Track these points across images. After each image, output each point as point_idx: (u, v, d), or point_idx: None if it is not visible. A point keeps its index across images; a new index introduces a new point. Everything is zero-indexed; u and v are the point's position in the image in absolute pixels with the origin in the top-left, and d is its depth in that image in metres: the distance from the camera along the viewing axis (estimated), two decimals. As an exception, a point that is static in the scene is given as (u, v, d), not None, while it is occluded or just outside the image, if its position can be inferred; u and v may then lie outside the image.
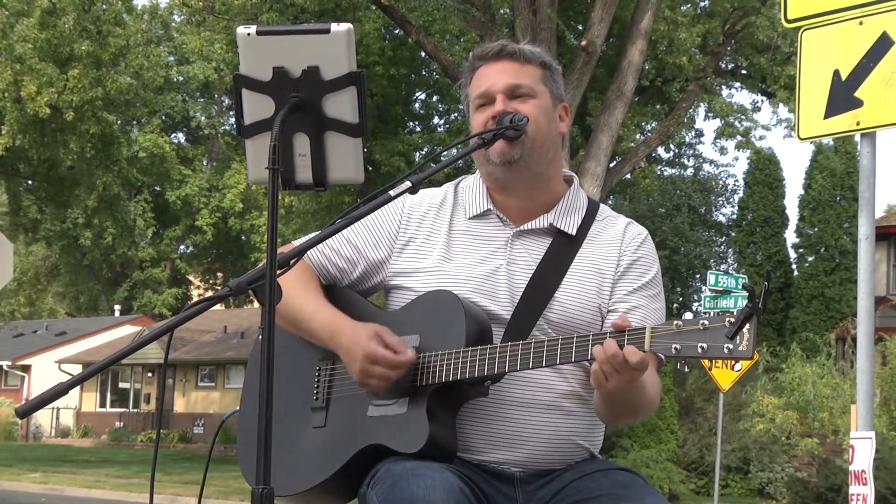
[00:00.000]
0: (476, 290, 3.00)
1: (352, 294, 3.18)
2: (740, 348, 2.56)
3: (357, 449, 2.93)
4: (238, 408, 3.25)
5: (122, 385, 48.76)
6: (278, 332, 2.50)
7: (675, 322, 2.65)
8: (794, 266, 34.44)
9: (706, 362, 16.41)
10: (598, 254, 3.12)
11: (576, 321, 2.99)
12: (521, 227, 3.11)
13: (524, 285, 3.03)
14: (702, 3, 24.64)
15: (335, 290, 3.18)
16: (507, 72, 3.09)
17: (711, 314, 2.65)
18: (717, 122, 25.96)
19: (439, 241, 3.12)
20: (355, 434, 2.96)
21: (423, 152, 26.64)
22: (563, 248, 3.09)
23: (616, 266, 3.12)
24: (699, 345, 2.60)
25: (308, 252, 2.91)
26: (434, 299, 2.98)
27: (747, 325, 2.55)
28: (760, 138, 42.59)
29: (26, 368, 50.28)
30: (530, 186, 3.11)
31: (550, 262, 3.06)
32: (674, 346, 2.63)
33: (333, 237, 2.87)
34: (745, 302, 2.55)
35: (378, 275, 3.17)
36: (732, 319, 2.56)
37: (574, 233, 3.12)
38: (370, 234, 3.16)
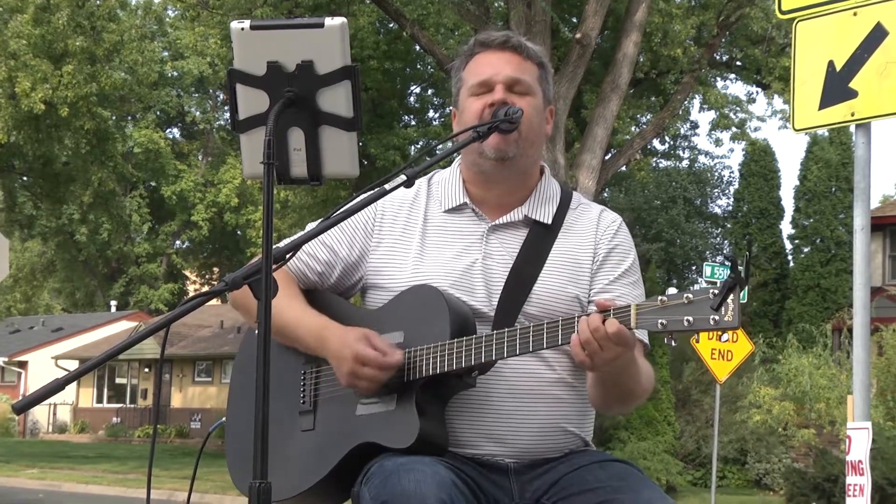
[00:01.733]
0: (453, 286, 2.99)
1: (332, 296, 3.17)
2: (726, 318, 2.55)
3: (348, 449, 2.92)
4: (224, 419, 3.24)
5: (118, 380, 48.78)
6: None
7: (659, 298, 2.64)
8: (789, 257, 34.53)
9: (705, 353, 16.41)
10: (574, 243, 3.11)
11: (555, 313, 2.96)
12: (497, 221, 3.10)
13: (501, 279, 3.02)
14: (696, -5, 24.63)
15: (315, 294, 3.17)
16: (510, 64, 3.08)
17: (695, 287, 2.65)
18: (712, 114, 25.97)
19: (414, 238, 3.10)
20: (345, 434, 2.95)
21: (419, 146, 26.65)
22: (539, 240, 3.08)
23: (593, 256, 3.11)
24: (685, 318, 2.59)
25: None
26: (416, 294, 2.97)
27: (731, 296, 2.54)
28: (755, 130, 42.53)
29: (23, 364, 50.26)
30: (513, 183, 3.11)
31: (527, 255, 3.06)
32: (660, 321, 2.62)
33: (310, 242, 2.83)
34: (729, 273, 2.54)
35: (356, 274, 3.16)
36: (716, 291, 2.55)
37: (550, 222, 3.11)
38: (344, 234, 3.14)
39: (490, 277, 3.02)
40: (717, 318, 2.56)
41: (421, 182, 3.21)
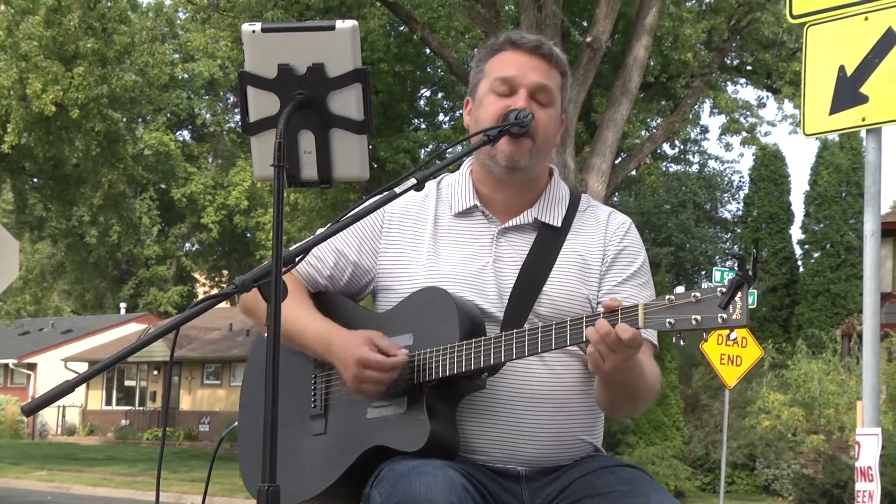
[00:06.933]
0: (465, 289, 2.98)
1: (341, 299, 3.17)
2: (734, 317, 2.54)
3: (359, 452, 2.92)
4: (237, 423, 3.23)
5: (127, 383, 48.84)
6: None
7: (667, 297, 2.63)
8: (799, 262, 34.46)
9: (714, 358, 16.39)
10: (583, 244, 3.10)
11: (565, 314, 2.94)
12: (506, 224, 3.09)
13: (512, 281, 3.01)
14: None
15: (324, 297, 3.17)
16: (538, 70, 3.06)
17: (703, 286, 2.64)
18: (722, 119, 26.00)
19: (424, 240, 3.10)
20: (356, 438, 2.94)
21: (429, 149, 26.63)
22: (548, 242, 3.07)
23: (602, 257, 3.10)
24: (693, 317, 2.58)
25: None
26: (425, 297, 2.97)
27: (739, 294, 2.53)
28: (766, 134, 42.39)
29: (32, 366, 50.33)
30: (521, 186, 3.10)
31: (537, 257, 3.05)
32: (667, 320, 2.61)
33: (318, 246, 2.84)
34: (737, 271, 2.54)
35: (366, 277, 3.15)
36: (724, 290, 2.54)
37: (559, 224, 3.10)
38: (353, 238, 3.13)
39: (501, 280, 3.01)
40: (724, 316, 2.55)
41: (430, 185, 3.19)
